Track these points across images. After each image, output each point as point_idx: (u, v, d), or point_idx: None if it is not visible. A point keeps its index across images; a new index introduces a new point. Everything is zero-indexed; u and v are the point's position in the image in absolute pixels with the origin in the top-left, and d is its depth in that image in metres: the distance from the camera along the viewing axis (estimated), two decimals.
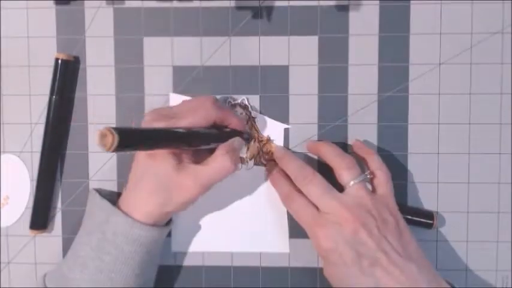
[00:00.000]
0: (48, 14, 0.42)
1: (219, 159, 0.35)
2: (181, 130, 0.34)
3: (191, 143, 0.35)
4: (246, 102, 0.41)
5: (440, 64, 0.41)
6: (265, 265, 0.42)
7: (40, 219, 0.42)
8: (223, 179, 0.35)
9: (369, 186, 0.38)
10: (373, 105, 0.41)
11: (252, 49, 0.41)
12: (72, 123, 0.42)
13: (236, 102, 0.41)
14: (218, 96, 0.41)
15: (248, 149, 0.41)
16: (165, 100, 0.42)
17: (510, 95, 0.41)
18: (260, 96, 0.41)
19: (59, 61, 0.41)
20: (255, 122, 0.41)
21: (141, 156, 0.36)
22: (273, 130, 0.41)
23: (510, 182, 0.41)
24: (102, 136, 0.27)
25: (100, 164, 0.42)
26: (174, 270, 0.42)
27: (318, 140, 0.41)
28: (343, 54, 0.41)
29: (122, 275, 0.35)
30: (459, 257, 0.41)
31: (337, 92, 0.41)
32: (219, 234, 0.42)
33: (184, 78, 0.42)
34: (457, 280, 0.41)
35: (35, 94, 0.42)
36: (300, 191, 0.37)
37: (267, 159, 0.41)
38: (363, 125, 0.41)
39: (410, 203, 0.41)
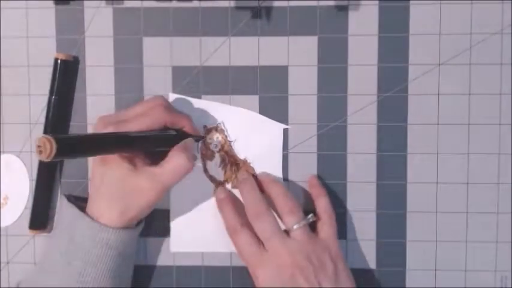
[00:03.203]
0: (47, 14, 0.42)
1: (175, 159, 0.35)
2: (122, 134, 0.34)
3: (135, 146, 0.35)
4: (222, 127, 0.41)
5: (439, 64, 0.41)
6: None
7: (39, 219, 0.41)
8: (181, 179, 0.35)
9: None
10: (372, 106, 0.41)
11: (251, 49, 0.41)
12: (72, 123, 0.42)
13: (212, 126, 0.41)
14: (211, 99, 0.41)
15: (225, 172, 0.41)
16: None
17: (510, 95, 0.41)
18: (259, 97, 0.41)
19: (59, 61, 0.41)
20: (231, 146, 0.41)
21: (95, 163, 0.37)
22: (272, 130, 0.41)
23: (510, 182, 0.41)
24: (41, 144, 0.28)
25: None
26: (173, 270, 0.42)
27: (265, 176, 0.40)
28: (342, 55, 0.41)
29: (94, 278, 0.35)
30: (458, 257, 0.41)
31: (336, 92, 0.41)
32: (218, 234, 0.42)
33: (184, 78, 0.42)
34: (457, 280, 0.41)
35: (34, 94, 0.42)
36: (245, 223, 0.38)
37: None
38: (362, 126, 0.41)
39: (410, 203, 0.41)
